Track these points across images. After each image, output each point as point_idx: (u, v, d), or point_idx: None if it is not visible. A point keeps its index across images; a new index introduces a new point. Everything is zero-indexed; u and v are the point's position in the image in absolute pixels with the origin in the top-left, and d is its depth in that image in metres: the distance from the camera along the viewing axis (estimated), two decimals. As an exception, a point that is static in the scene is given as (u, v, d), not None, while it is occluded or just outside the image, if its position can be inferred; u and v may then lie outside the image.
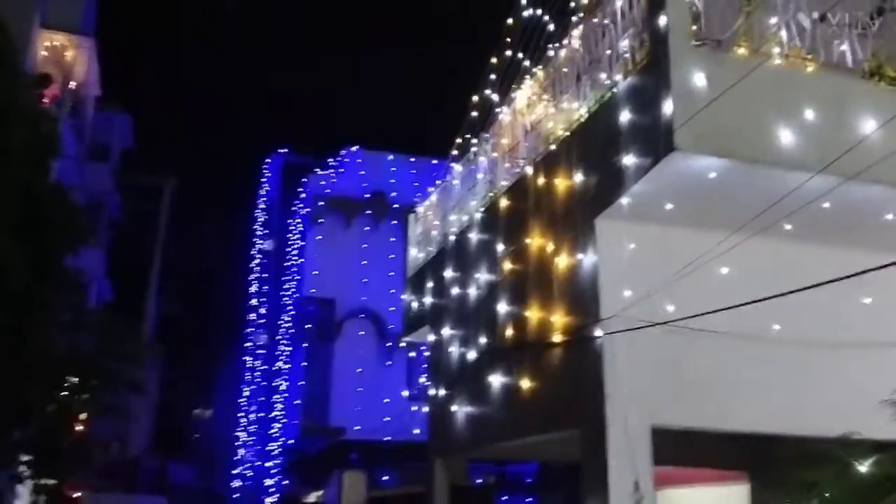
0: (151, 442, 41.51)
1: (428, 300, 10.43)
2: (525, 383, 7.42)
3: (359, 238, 26.08)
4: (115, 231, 30.69)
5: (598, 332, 6.34)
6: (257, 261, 34.00)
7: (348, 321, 25.47)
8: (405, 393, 24.35)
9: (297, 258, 27.54)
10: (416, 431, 18.28)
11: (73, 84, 25.05)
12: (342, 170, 27.35)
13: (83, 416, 11.84)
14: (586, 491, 6.23)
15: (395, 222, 26.42)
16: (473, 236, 9.07)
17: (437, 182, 10.80)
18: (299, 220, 27.78)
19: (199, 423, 43.66)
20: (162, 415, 40.60)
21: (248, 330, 33.97)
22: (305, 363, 25.46)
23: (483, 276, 8.74)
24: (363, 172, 27.16)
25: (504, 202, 8.26)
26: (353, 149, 27.45)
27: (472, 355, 8.77)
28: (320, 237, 26.09)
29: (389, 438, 19.14)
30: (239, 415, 34.11)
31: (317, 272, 25.70)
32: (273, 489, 26.61)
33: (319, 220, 26.11)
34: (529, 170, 7.74)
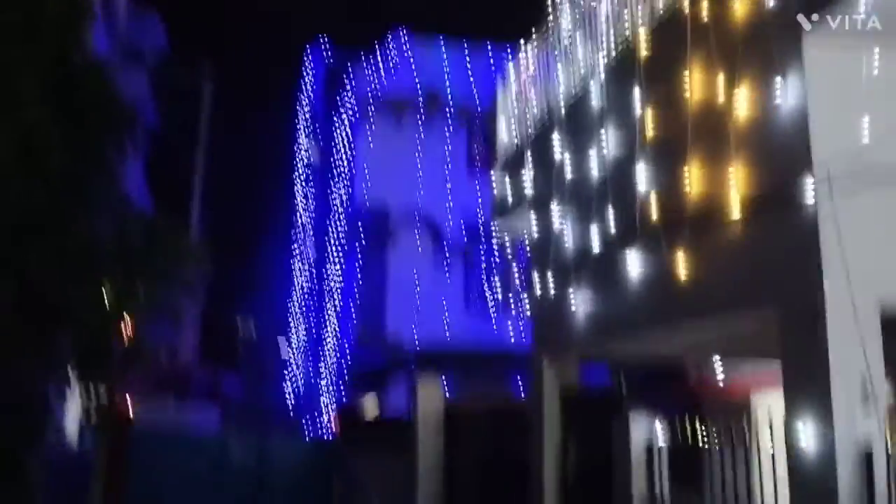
0: (200, 353, 41.27)
1: (528, 178, 8.84)
2: (683, 263, 5.86)
3: (411, 140, 24.45)
4: (153, 140, 29.39)
5: (807, 191, 4.71)
6: (302, 169, 32.62)
7: (402, 229, 24.11)
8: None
9: (345, 164, 26.03)
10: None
11: (103, -20, 23.24)
12: (391, 65, 25.50)
13: (131, 317, 10.66)
14: (791, 389, 4.75)
15: (451, 121, 24.75)
16: (596, 95, 7.39)
17: (535, 37, 9.04)
18: (346, 124, 26.15)
19: (246, 335, 43.35)
20: (210, 326, 40.21)
21: (296, 242, 32.93)
22: (358, 274, 24.26)
23: (612, 141, 7.09)
24: (414, 68, 25.27)
25: (646, 44, 6.53)
26: (402, 38, 25.46)
27: (595, 238, 7.20)
28: (370, 140, 24.47)
29: (450, 349, 17.86)
30: (289, 326, 33.41)
31: (368, 178, 24.19)
32: (327, 402, 25.86)
33: (370, 119, 24.44)
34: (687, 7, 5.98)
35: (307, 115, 32.60)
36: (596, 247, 7.22)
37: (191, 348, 41.28)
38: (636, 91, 6.61)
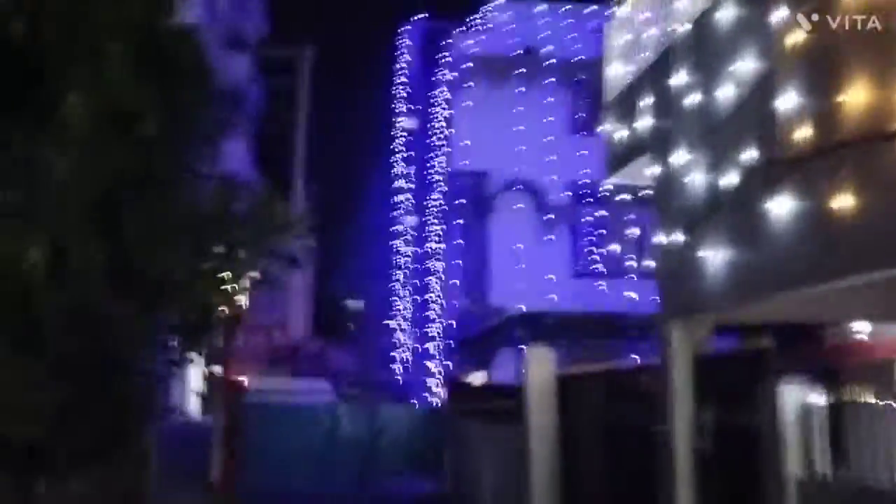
0: (309, 329, 41.97)
1: (645, 123, 7.97)
2: (847, 201, 4.92)
3: (511, 101, 23.60)
4: (257, 122, 29.69)
5: None
6: (401, 139, 32.26)
7: (503, 194, 23.42)
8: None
9: (444, 129, 25.45)
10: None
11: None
12: (489, 26, 24.69)
13: (237, 289, 10.42)
14: None
15: (552, 82, 23.80)
16: (724, 15, 6.45)
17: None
18: (444, 88, 25.52)
19: (353, 309, 43.75)
20: (318, 302, 40.77)
21: (396, 212, 32.70)
22: (460, 241, 23.74)
23: (745, 65, 6.15)
24: (512, 27, 24.40)
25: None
26: (499, 1, 24.65)
27: (729, 180, 6.29)
28: (469, 103, 23.79)
29: (558, 313, 17.06)
30: (392, 299, 33.34)
31: (467, 142, 23.55)
32: (435, 372, 25.59)
33: (467, 84, 23.75)
34: None
35: (406, 85, 32.18)
36: (733, 189, 6.32)
37: (301, 323, 42.01)
38: (773, 3, 5.65)
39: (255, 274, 11.59)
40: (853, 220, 4.98)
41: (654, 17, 8.11)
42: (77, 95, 6.35)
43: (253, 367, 24.79)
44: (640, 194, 9.17)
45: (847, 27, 5.00)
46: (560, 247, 23.57)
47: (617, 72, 9.03)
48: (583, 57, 23.55)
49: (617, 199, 22.23)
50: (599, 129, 9.04)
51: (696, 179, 6.93)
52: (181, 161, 9.19)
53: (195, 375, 13.61)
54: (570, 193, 23.77)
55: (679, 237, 7.18)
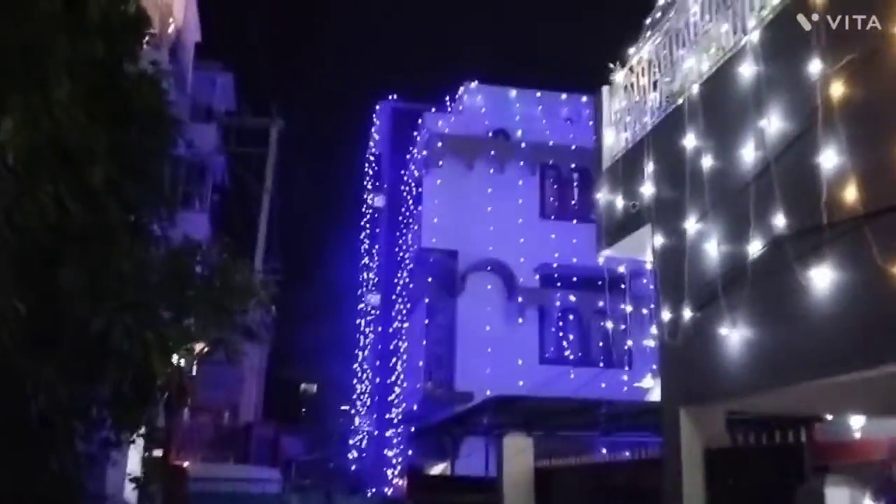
0: (260, 412, 40.15)
1: (648, 190, 7.31)
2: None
3: (481, 183, 23.21)
4: (220, 194, 28.90)
5: None
6: (368, 216, 31.61)
7: (473, 274, 22.68)
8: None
9: (414, 207, 24.86)
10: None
11: (171, 27, 22.94)
12: (461, 107, 24.47)
13: (185, 360, 9.35)
14: None
15: (523, 163, 23.49)
16: (747, 69, 5.88)
17: (649, 26, 7.62)
18: (415, 167, 25.07)
19: (308, 392, 42.10)
20: (270, 383, 39.11)
21: (361, 290, 31.73)
22: (427, 321, 22.82)
23: (775, 123, 5.54)
24: (484, 110, 24.21)
25: (824, -9, 5.02)
26: (472, 85, 24.52)
27: (752, 250, 5.59)
28: (440, 181, 23.30)
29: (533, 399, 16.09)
30: (353, 381, 32.00)
31: (437, 220, 22.93)
32: (395, 460, 24.21)
33: (438, 163, 23.30)
34: None
35: (375, 162, 31.77)
36: (757, 259, 5.61)
37: (252, 405, 40.18)
38: (814, 47, 5.08)
39: (205, 346, 10.54)
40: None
41: (654, 81, 7.57)
42: (14, 122, 5.46)
43: (198, 452, 23.26)
44: (621, 271, 8.47)
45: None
46: (529, 331, 22.80)
47: (612, 139, 8.45)
48: (554, 142, 23.43)
49: (589, 283, 21.75)
50: (596, 196, 8.36)
51: (710, 249, 6.23)
52: (133, 214, 8.26)
53: (133, 459, 12.22)
54: (540, 277, 23.19)
55: (689, 314, 6.43)
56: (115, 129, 7.59)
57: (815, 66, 5.13)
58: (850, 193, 4.81)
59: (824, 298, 4.97)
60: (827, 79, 5.02)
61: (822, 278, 4.96)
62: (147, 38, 9.11)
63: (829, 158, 4.97)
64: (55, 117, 6.53)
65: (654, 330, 7.24)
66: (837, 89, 4.93)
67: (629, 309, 8.98)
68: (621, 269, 9.18)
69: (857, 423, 7.52)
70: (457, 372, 21.90)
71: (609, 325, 14.53)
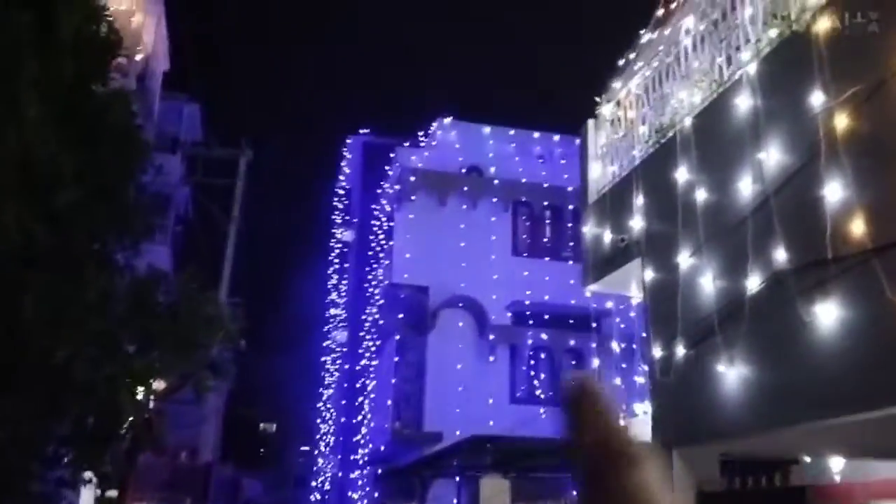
0: (219, 453, 39.10)
1: (637, 224, 7.15)
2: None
3: (454, 219, 23.04)
4: (184, 226, 28.40)
5: None
6: (337, 251, 31.21)
7: (444, 311, 22.38)
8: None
9: (385, 242, 24.56)
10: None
11: (140, 55, 22.63)
12: (434, 143, 24.38)
13: (148, 396, 8.93)
14: None
15: (495, 200, 23.41)
16: (743, 102, 5.77)
17: (634, 57, 7.54)
18: (386, 201, 24.83)
19: (269, 432, 41.18)
20: (230, 423, 38.16)
21: (328, 326, 31.18)
22: (396, 358, 22.41)
23: (773, 156, 5.42)
24: (458, 146, 24.15)
25: (823, 24, 4.94)
26: (446, 120, 24.49)
27: (750, 285, 5.43)
28: (412, 216, 23.08)
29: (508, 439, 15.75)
30: (317, 421, 31.29)
31: (408, 255, 22.66)
32: (361, 503, 23.55)
33: (411, 198, 23.10)
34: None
35: (345, 196, 31.49)
36: (756, 295, 5.45)
37: (210, 446, 39.04)
38: (814, 79, 4.99)
39: (173, 382, 10.11)
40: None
41: (643, 114, 7.47)
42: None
43: (155, 493, 22.42)
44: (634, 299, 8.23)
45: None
46: (500, 369, 22.50)
47: (598, 173, 8.31)
48: (526, 180, 23.42)
49: (560, 321, 21.59)
50: (582, 230, 8.19)
51: (705, 285, 6.06)
52: (98, 241, 7.91)
53: (86, 499, 11.63)
54: (511, 315, 22.97)
55: (682, 350, 6.23)
56: (85, 150, 7.29)
57: (816, 99, 5.03)
58: (856, 227, 4.67)
59: (828, 336, 4.80)
60: (830, 111, 4.91)
61: (827, 315, 4.79)
62: (117, 61, 8.84)
63: (833, 192, 4.84)
64: (24, 137, 6.23)
65: (644, 367, 7.02)
66: (841, 122, 4.82)
67: (617, 346, 8.77)
68: (608, 304, 8.98)
69: (836, 465, 7.36)
70: (426, 411, 21.46)
71: (594, 362, 14.27)
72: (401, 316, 22.11)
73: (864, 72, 4.69)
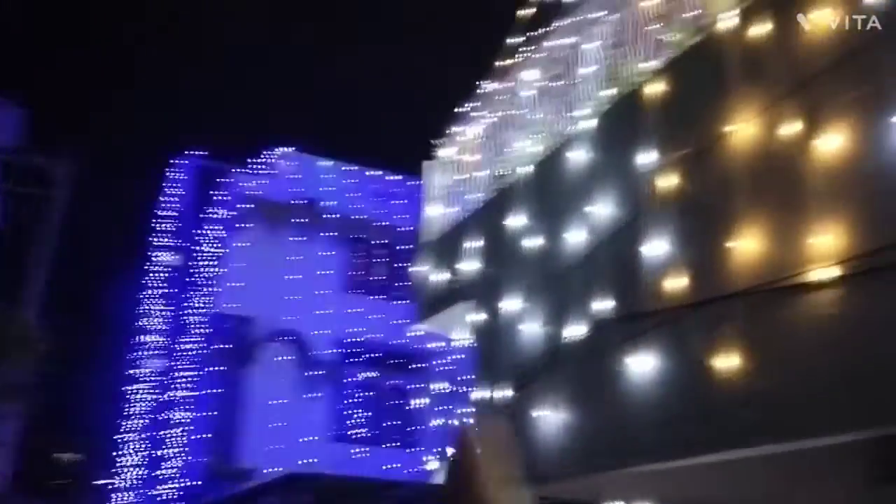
0: (10, 485, 35.54)
1: (471, 266, 7.25)
2: (727, 362, 4.34)
3: (287, 250, 22.54)
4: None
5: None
6: (159, 274, 29.57)
7: (267, 343, 21.71)
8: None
9: (211, 268, 23.56)
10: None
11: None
12: (272, 171, 23.84)
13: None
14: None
15: (330, 235, 23.16)
16: (577, 156, 6.03)
17: (471, 108, 7.74)
18: (217, 227, 23.91)
19: (68, 462, 38.01)
20: (25, 452, 34.85)
21: (141, 353, 29.32)
22: (213, 390, 21.41)
23: (602, 209, 5.67)
24: (297, 177, 23.75)
25: (656, 87, 5.28)
26: (285, 150, 24.05)
27: (575, 332, 5.62)
28: (243, 245, 22.37)
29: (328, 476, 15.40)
30: (119, 452, 29.17)
31: (236, 284, 21.87)
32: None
33: (243, 225, 22.41)
34: (729, 21, 4.80)
35: (172, 219, 30.01)
36: (580, 342, 5.63)
37: (1, 476, 35.40)
38: (644, 139, 5.28)
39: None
40: (733, 385, 4.39)
41: (485, 159, 7.64)
42: None
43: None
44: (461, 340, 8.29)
45: (727, 175, 4.63)
46: (322, 406, 22.04)
47: (435, 213, 8.38)
48: (362, 217, 23.39)
49: (387, 361, 21.56)
50: (414, 269, 8.19)
51: (532, 330, 6.20)
52: None
53: None
54: (337, 351, 22.65)
55: (506, 394, 6.31)
56: None
57: (644, 158, 5.32)
58: (672, 284, 4.94)
59: (639, 387, 5.02)
60: (656, 171, 5.20)
61: (639, 366, 5.01)
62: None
63: (653, 248, 5.11)
64: None
65: (468, 409, 7.06)
66: (665, 182, 5.12)
67: (442, 387, 8.78)
68: (436, 345, 9.01)
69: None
70: (242, 446, 20.62)
71: (407, 403, 14.27)
72: (223, 346, 21.23)
73: (691, 136, 5.01)
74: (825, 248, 3.98)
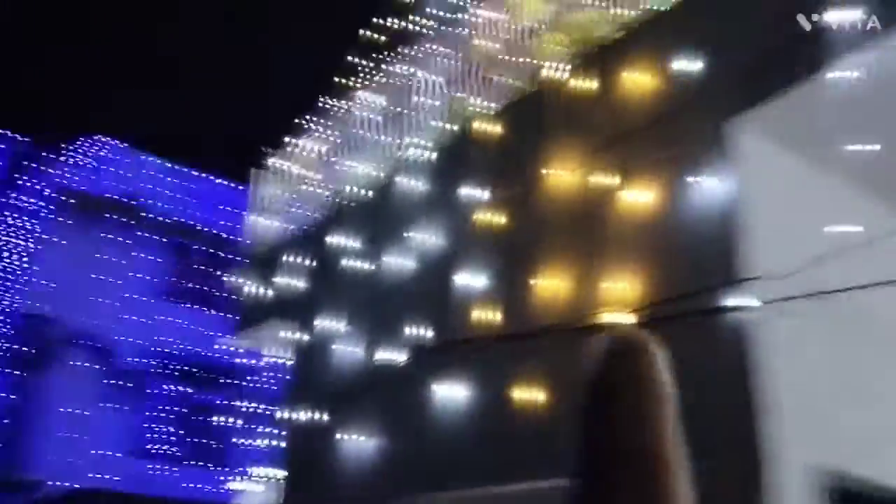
0: None
1: (293, 283, 7.15)
2: (527, 393, 4.56)
3: (101, 249, 21.13)
4: None
5: (738, 304, 3.76)
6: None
7: (67, 347, 20.20)
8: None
9: (15, 262, 21.68)
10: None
11: None
12: (90, 163, 22.36)
13: None
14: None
15: (149, 237, 21.98)
16: (409, 184, 6.13)
17: (309, 123, 7.70)
18: (25, 217, 22.08)
19: None
20: None
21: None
22: (1, 395, 19.65)
23: (427, 239, 5.79)
24: (117, 171, 22.39)
25: (489, 128, 5.48)
26: (109, 140, 22.66)
27: (391, 357, 5.68)
28: (52, 239, 20.76)
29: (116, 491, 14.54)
30: None
31: (40, 281, 20.25)
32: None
33: (55, 218, 20.83)
34: (558, 73, 5.08)
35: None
36: (393, 367, 5.68)
37: None
38: (471, 176, 5.46)
39: None
40: (529, 417, 4.59)
41: (317, 175, 7.59)
42: None
43: None
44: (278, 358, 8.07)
45: (544, 217, 4.88)
46: (122, 419, 20.73)
47: (264, 222, 8.21)
48: (186, 221, 22.41)
49: (197, 375, 20.68)
50: (234, 281, 7.96)
51: (349, 352, 6.19)
52: None
53: None
54: (144, 361, 21.43)
55: (319, 415, 6.25)
56: None
57: (470, 194, 5.50)
58: (485, 315, 5.11)
59: (447, 414, 5.14)
60: (479, 207, 5.39)
61: (448, 393, 5.13)
62: None
63: (470, 280, 5.27)
64: None
65: (279, 429, 6.92)
66: (487, 219, 5.31)
67: (253, 405, 8.54)
68: (250, 361, 8.77)
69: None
70: (28, 456, 18.99)
71: (214, 420, 13.76)
72: (17, 347, 19.54)
73: (515, 177, 5.24)
74: (623, 294, 4.28)
